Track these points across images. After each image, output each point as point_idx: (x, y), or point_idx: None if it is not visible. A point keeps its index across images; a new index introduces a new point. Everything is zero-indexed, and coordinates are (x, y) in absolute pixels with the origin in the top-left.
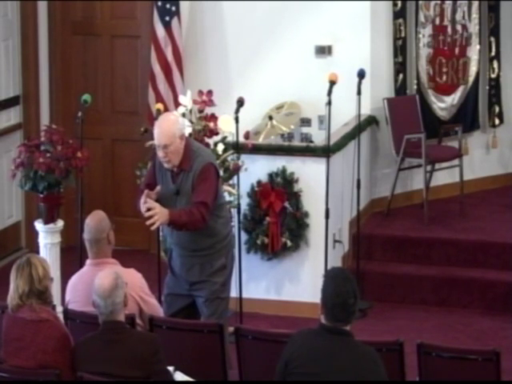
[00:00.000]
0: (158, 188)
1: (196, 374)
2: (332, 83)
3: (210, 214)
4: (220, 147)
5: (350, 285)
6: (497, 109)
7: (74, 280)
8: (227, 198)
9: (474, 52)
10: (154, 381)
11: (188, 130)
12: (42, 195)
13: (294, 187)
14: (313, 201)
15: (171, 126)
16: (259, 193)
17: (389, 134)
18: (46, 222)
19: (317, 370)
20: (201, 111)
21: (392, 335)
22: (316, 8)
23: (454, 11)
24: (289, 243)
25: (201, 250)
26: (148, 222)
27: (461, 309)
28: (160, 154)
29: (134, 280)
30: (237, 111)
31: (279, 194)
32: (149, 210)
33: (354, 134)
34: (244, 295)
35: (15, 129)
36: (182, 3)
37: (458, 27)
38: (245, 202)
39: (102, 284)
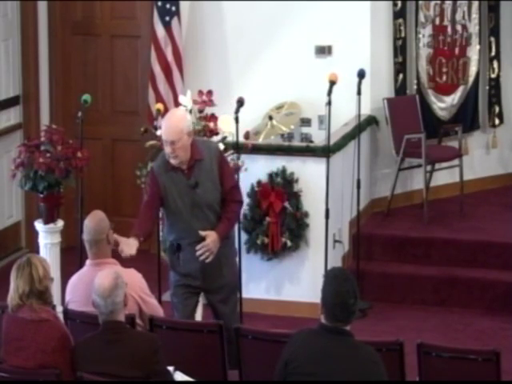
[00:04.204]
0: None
1: (196, 374)
2: (332, 83)
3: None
4: (220, 147)
5: (349, 285)
6: (497, 109)
7: (73, 280)
8: None
9: (474, 52)
10: (154, 381)
11: None
12: (42, 195)
13: (294, 187)
14: (313, 201)
15: (179, 123)
16: (259, 193)
17: (389, 134)
18: (46, 222)
19: (317, 370)
20: (201, 111)
21: (392, 335)
22: (316, 8)
23: (454, 11)
24: (289, 243)
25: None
26: (202, 258)
27: (461, 309)
28: (167, 149)
29: (134, 280)
30: (237, 111)
31: (279, 194)
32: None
33: (353, 134)
34: (244, 295)
35: (15, 129)
36: (182, 3)
37: (458, 27)
38: (245, 201)
39: (102, 284)
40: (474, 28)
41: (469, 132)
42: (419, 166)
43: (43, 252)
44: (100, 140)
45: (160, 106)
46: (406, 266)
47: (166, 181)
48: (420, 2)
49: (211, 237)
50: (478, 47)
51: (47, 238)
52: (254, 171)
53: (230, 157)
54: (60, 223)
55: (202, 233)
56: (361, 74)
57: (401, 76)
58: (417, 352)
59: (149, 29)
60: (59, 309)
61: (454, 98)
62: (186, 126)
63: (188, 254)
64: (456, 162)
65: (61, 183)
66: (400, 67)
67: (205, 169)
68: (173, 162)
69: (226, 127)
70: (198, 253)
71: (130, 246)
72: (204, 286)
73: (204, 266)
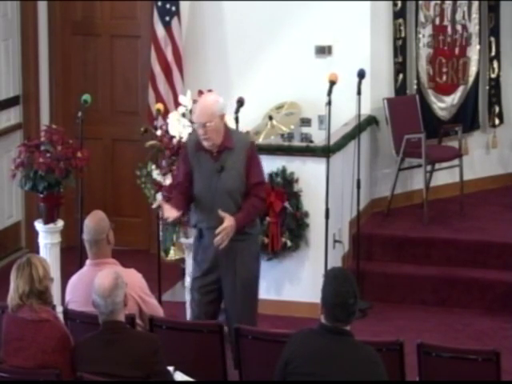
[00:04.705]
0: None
1: (196, 374)
2: (332, 83)
3: (266, 192)
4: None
5: (349, 285)
6: (497, 109)
7: (73, 280)
8: None
9: (473, 52)
10: (154, 381)
11: (188, 130)
12: (42, 195)
13: (294, 187)
14: (313, 201)
15: (211, 105)
16: None
17: (389, 134)
18: (46, 222)
19: (317, 370)
20: None
21: (392, 335)
22: (316, 8)
23: (454, 11)
24: (289, 243)
25: (238, 233)
26: (218, 242)
27: (461, 309)
28: (200, 131)
29: (134, 280)
30: (237, 111)
31: (279, 194)
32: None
33: (353, 134)
34: None
35: (15, 129)
36: (182, 3)
37: (458, 27)
38: None
39: (102, 283)
40: (474, 28)
41: (469, 132)
42: (419, 166)
43: (43, 252)
44: (100, 140)
45: (160, 105)
46: (405, 266)
47: (194, 159)
48: (420, 2)
49: (229, 221)
50: (478, 47)
51: (47, 238)
52: None
53: None
54: (60, 223)
55: (222, 213)
56: (361, 74)
57: (401, 76)
58: (417, 352)
59: (149, 29)
60: (59, 309)
61: (453, 98)
62: (219, 109)
63: (207, 239)
64: (456, 162)
65: (61, 183)
66: (400, 67)
67: (232, 158)
68: (205, 144)
69: None
70: (216, 237)
71: (172, 211)
72: (217, 275)
73: (218, 254)
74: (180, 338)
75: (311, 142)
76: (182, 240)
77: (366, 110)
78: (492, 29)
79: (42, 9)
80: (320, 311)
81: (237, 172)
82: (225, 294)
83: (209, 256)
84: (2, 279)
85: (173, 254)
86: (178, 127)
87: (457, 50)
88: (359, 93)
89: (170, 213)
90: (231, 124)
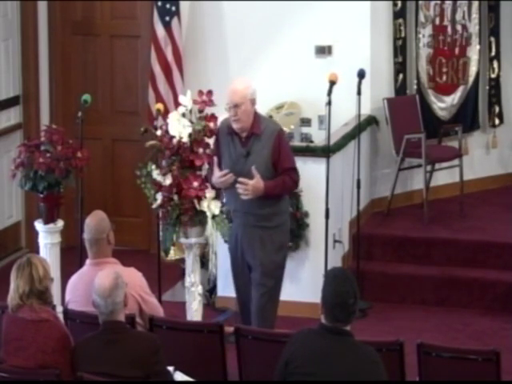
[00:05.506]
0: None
1: (196, 374)
2: (332, 83)
3: (299, 177)
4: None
5: (349, 285)
6: (497, 109)
7: (73, 280)
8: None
9: (474, 52)
10: (154, 381)
11: (188, 130)
12: (41, 195)
13: None
14: (313, 201)
15: (244, 88)
16: None
17: (389, 134)
18: (46, 222)
19: (317, 370)
20: (201, 111)
21: (392, 335)
22: (316, 8)
23: (454, 11)
24: (289, 243)
25: (262, 220)
26: (241, 191)
27: (461, 309)
28: (231, 112)
29: (135, 279)
30: None
31: None
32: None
33: (354, 134)
34: None
35: (15, 129)
36: (182, 3)
37: (458, 27)
38: None
39: (103, 283)
40: (474, 28)
41: (469, 132)
42: (419, 166)
43: (43, 252)
44: (100, 140)
45: (160, 105)
46: (405, 266)
47: (225, 141)
48: (420, 2)
49: (257, 181)
50: (478, 47)
51: (47, 238)
52: None
53: None
54: (60, 223)
55: (254, 171)
56: (361, 74)
57: (401, 76)
58: (417, 352)
59: (149, 29)
60: (59, 309)
61: (453, 98)
62: (250, 94)
63: (233, 221)
64: (456, 162)
65: (61, 183)
66: (400, 67)
67: (259, 145)
68: (235, 126)
69: None
70: (238, 185)
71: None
72: (242, 252)
73: (241, 237)
74: (180, 338)
75: (311, 142)
76: (182, 240)
77: (365, 110)
78: (492, 29)
79: (42, 9)
80: (320, 311)
81: (262, 159)
82: (252, 277)
83: (233, 237)
84: (2, 279)
85: (173, 254)
86: (178, 127)
87: (457, 50)
88: (359, 93)
89: (220, 173)
90: None
